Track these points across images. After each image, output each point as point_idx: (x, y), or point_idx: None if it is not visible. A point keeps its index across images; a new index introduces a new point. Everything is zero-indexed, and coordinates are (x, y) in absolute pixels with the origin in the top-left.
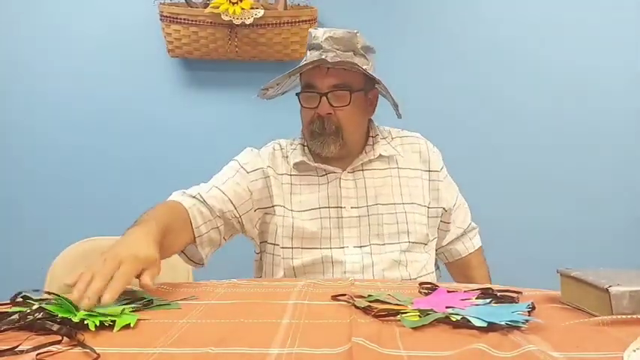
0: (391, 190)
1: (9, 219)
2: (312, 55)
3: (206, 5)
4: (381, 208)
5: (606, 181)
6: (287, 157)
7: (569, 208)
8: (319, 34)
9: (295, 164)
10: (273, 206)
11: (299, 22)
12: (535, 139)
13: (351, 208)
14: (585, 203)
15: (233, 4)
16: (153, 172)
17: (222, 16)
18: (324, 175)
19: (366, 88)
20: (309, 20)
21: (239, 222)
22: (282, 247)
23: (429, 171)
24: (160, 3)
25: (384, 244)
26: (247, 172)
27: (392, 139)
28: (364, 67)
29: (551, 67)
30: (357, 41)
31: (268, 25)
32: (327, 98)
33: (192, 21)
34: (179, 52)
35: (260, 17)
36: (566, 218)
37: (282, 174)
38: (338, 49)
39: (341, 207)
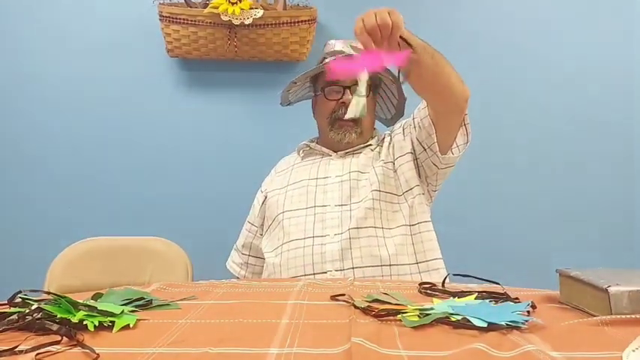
0: (372, 163)
1: (8, 219)
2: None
3: (205, 5)
4: (360, 174)
5: (608, 182)
6: (297, 153)
7: (569, 207)
8: (339, 42)
9: (300, 148)
10: (271, 190)
11: (298, 22)
12: (538, 139)
13: (336, 176)
14: (586, 203)
15: (232, 4)
16: (152, 171)
17: (222, 17)
18: (320, 157)
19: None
20: (308, 20)
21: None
22: (277, 214)
23: (390, 134)
24: (160, 3)
25: (359, 202)
26: (262, 192)
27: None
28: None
29: (552, 65)
30: None
31: (267, 25)
32: (350, 90)
33: (191, 21)
34: (178, 52)
35: (259, 17)
36: (566, 218)
37: (284, 169)
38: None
39: (327, 176)
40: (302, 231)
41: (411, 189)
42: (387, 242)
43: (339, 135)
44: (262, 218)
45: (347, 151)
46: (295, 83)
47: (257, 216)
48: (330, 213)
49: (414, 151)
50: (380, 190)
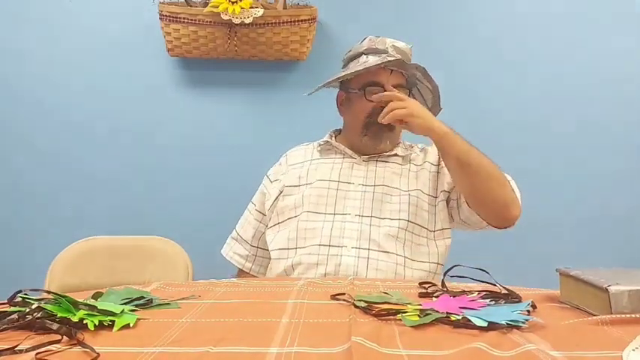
0: (399, 180)
1: (9, 218)
2: (375, 58)
3: (205, 4)
4: (386, 189)
5: (608, 181)
6: (314, 147)
7: (569, 207)
8: (380, 40)
9: (320, 144)
10: (287, 186)
11: (298, 21)
12: (535, 137)
13: (359, 184)
14: (586, 203)
15: (232, 3)
16: (152, 171)
17: (222, 16)
18: (341, 158)
19: None
20: (308, 19)
21: (267, 219)
22: (291, 216)
23: (438, 165)
24: (160, 2)
25: (383, 219)
26: (271, 181)
27: (412, 147)
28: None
29: (550, 70)
30: (410, 54)
31: (268, 24)
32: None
33: (191, 20)
34: (178, 51)
35: (259, 16)
36: (566, 217)
37: (299, 162)
38: (399, 57)
39: (349, 182)
40: (318, 237)
41: (442, 229)
42: (407, 272)
43: (374, 141)
44: (273, 211)
45: (371, 155)
46: (330, 82)
47: (269, 208)
48: (349, 223)
49: (447, 193)
50: (409, 221)
